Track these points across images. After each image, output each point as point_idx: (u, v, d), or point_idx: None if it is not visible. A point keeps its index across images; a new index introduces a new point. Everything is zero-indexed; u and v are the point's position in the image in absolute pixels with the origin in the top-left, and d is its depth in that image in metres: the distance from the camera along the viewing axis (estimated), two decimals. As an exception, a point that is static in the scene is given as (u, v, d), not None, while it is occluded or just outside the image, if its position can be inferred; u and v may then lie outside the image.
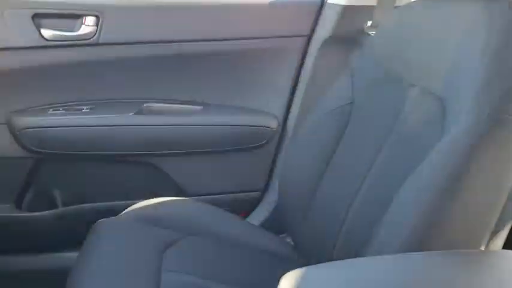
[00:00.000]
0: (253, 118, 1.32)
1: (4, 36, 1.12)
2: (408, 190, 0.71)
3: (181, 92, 1.30)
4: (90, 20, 1.16)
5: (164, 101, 1.30)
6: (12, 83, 1.17)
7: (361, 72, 0.99)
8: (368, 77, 0.97)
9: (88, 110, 1.23)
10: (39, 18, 1.13)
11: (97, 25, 1.16)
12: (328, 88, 1.05)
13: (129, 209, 1.08)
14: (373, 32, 1.20)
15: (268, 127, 1.32)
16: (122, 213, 1.06)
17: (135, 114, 1.25)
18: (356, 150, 0.93)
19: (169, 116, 1.28)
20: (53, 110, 1.21)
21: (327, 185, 0.95)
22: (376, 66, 0.95)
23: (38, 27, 1.13)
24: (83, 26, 1.16)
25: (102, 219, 1.02)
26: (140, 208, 1.07)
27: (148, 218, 1.03)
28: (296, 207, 1.00)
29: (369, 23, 1.23)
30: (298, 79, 1.31)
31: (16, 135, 1.19)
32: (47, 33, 1.14)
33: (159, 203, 1.09)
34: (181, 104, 1.31)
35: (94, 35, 1.16)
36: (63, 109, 1.22)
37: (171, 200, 1.11)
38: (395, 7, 1.22)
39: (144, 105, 1.27)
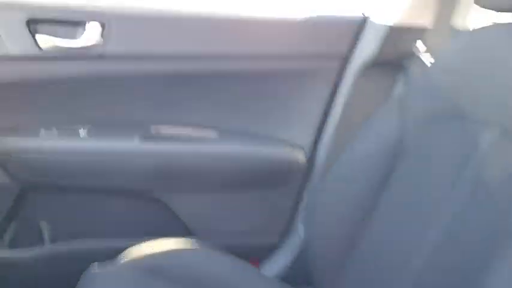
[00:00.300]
0: (275, 149, 1.15)
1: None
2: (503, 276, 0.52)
3: (194, 114, 1.14)
4: (94, 29, 1.00)
5: (174, 124, 1.12)
6: None
7: (412, 105, 0.83)
8: (423, 110, 0.81)
9: (86, 133, 1.06)
10: (34, 24, 0.97)
11: (102, 35, 1.00)
12: (367, 120, 0.88)
13: (126, 252, 0.92)
14: (427, 57, 1.02)
15: (293, 161, 1.15)
16: (118, 257, 0.91)
17: (139, 139, 1.08)
18: (410, 201, 0.77)
19: (179, 142, 1.11)
20: (44, 131, 1.05)
21: (370, 237, 0.82)
22: (433, 98, 0.80)
23: (33, 34, 0.97)
24: (85, 35, 1.00)
25: (94, 264, 0.87)
26: (139, 253, 0.93)
27: (148, 266, 0.88)
28: (327, 257, 0.88)
29: (420, 46, 1.05)
30: (330, 106, 1.13)
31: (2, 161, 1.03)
32: (43, 41, 0.98)
33: (161, 247, 0.94)
34: (193, 128, 1.13)
35: (97, 46, 1.00)
36: (56, 130, 1.05)
37: (175, 244, 0.96)
38: (454, 29, 1.04)
39: (151, 128, 1.10)
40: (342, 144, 1.12)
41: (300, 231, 1.20)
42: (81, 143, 1.05)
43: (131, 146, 1.07)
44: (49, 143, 1.04)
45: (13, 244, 1.11)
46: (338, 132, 1.13)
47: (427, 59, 1.02)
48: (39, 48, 0.98)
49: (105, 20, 0.99)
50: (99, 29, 1.00)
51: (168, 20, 1.03)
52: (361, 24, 1.08)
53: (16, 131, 1.04)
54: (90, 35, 1.00)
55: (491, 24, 0.78)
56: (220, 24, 1.05)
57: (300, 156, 1.15)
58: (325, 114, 1.14)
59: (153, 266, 0.87)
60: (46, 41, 0.98)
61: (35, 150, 1.04)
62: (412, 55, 1.06)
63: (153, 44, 1.03)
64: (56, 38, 0.98)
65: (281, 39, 1.08)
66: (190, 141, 1.11)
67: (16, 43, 0.96)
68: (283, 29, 1.08)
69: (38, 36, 0.97)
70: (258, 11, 1.06)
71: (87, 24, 0.99)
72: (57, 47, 0.99)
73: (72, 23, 0.99)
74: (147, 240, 0.95)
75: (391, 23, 1.03)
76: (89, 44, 1.00)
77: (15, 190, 1.08)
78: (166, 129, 1.11)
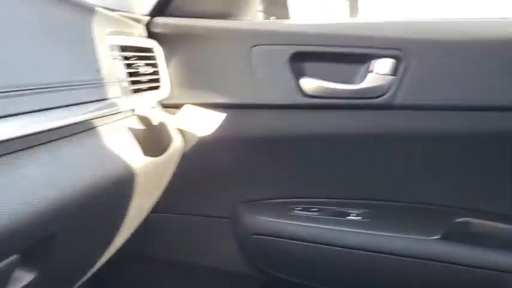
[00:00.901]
0: None
1: (243, 88, 0.70)
2: None
3: None
4: (382, 66, 0.66)
5: (494, 216, 0.70)
6: (244, 159, 0.74)
7: None
8: None
9: (358, 218, 0.72)
10: (298, 61, 0.68)
11: (394, 73, 0.65)
12: None
13: None
14: None
15: None
16: None
17: (437, 236, 0.68)
18: None
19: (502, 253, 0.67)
20: (299, 210, 0.76)
21: None
22: None
23: (297, 76, 0.69)
24: (370, 75, 0.67)
25: None
26: None
27: None
28: None
29: None
30: None
31: (241, 241, 0.76)
32: (308, 84, 0.69)
33: None
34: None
35: (386, 92, 0.67)
36: (316, 210, 0.74)
37: None
38: None
39: (457, 221, 0.69)
40: None
41: None
42: (350, 233, 0.71)
43: (423, 244, 0.69)
44: (303, 227, 0.74)
45: None
46: None
47: None
48: (304, 94, 0.69)
49: (402, 51, 0.65)
50: (391, 65, 0.66)
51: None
52: None
53: (259, 206, 0.76)
54: (376, 76, 0.67)
55: None
56: None
57: None
58: None
59: None
60: (312, 84, 0.68)
61: (283, 234, 0.75)
62: None
63: (475, 91, 0.64)
64: (326, 80, 0.68)
65: None
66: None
67: (275, 88, 0.69)
68: None
69: (302, 81, 0.68)
70: None
71: (372, 61, 0.67)
72: (327, 92, 0.68)
73: (350, 57, 0.68)
74: None
75: None
76: (372, 87, 0.67)
77: (255, 285, 0.81)
78: (480, 225, 0.69)
